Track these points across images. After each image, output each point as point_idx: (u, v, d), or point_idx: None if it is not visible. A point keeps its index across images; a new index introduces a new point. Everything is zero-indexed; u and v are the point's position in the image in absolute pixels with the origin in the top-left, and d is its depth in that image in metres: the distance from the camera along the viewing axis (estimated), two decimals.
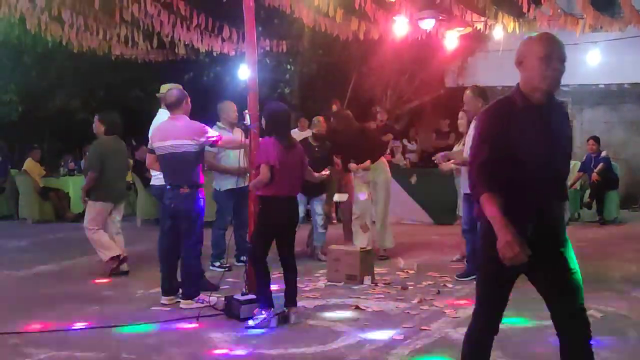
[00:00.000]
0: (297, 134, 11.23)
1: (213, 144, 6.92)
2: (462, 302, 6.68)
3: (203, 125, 6.76)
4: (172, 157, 6.57)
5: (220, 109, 8.65)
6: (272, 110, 6.21)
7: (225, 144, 7.36)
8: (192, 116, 6.89)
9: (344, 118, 9.48)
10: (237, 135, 7.56)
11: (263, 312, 5.91)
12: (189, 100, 6.87)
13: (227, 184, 8.41)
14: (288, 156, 5.99)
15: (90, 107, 18.12)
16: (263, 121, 6.14)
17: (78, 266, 9.08)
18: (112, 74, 16.45)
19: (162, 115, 7.46)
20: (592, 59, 14.68)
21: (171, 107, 6.75)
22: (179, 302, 6.67)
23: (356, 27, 10.10)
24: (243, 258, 8.35)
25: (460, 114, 8.77)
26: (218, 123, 8.62)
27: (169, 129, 6.67)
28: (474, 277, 7.21)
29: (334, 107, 10.82)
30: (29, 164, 14.61)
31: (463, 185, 7.68)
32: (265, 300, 5.96)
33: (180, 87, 7.34)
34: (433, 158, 9.07)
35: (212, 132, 6.87)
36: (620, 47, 14.12)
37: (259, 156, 6.05)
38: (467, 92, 7.63)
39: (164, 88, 7.69)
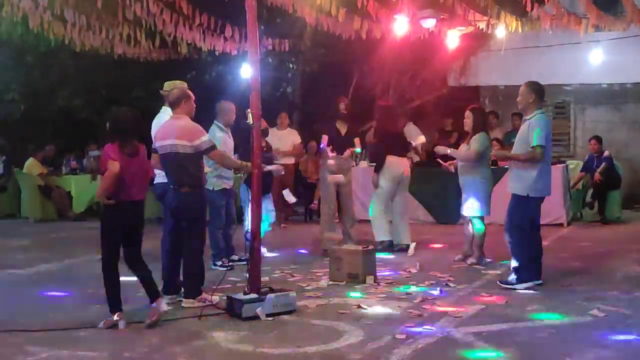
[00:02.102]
0: (276, 133, 11.18)
1: (206, 153, 6.66)
2: (464, 301, 6.68)
3: (200, 129, 6.64)
4: (171, 156, 6.59)
5: (219, 108, 8.64)
6: (116, 116, 6.19)
7: (219, 159, 7.00)
8: (194, 114, 6.88)
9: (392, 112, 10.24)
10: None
11: (115, 316, 5.94)
12: (192, 100, 6.84)
13: (222, 183, 8.46)
14: (131, 163, 5.99)
15: (93, 106, 18.15)
16: (108, 126, 6.12)
17: (80, 265, 9.08)
18: (114, 72, 16.45)
19: (164, 113, 7.48)
20: (594, 59, 14.65)
21: (172, 106, 6.77)
22: (181, 301, 6.67)
23: (358, 26, 10.10)
24: (235, 257, 8.59)
25: (467, 113, 8.76)
26: (216, 122, 8.60)
27: (169, 128, 6.69)
28: (523, 285, 7.14)
29: (342, 106, 10.96)
30: (31, 164, 14.53)
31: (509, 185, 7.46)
32: (115, 302, 5.99)
33: (185, 84, 7.33)
34: (436, 152, 9.09)
35: (205, 138, 6.62)
36: (623, 47, 14.09)
37: (102, 163, 6.16)
38: (523, 86, 7.43)
39: (168, 85, 7.70)
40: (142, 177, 6.16)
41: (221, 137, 8.39)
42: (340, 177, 9.42)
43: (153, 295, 6.10)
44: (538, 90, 7.35)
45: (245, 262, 8.19)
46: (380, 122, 10.07)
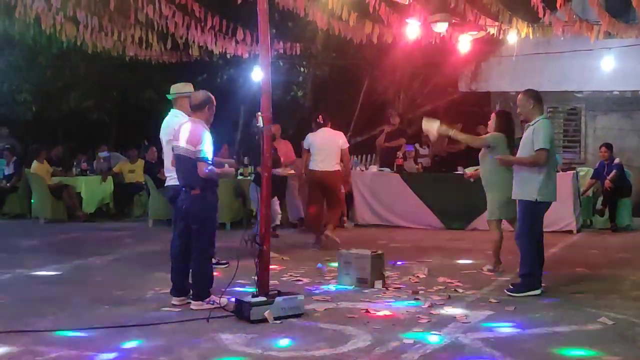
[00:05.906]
0: (326, 136, 10.24)
1: (202, 162, 6.45)
2: (472, 307, 6.66)
3: (203, 137, 6.47)
4: (182, 158, 6.62)
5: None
6: None
7: (201, 172, 6.54)
8: None
9: None
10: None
11: None
12: (214, 107, 6.81)
13: None
14: None
15: (104, 107, 18.24)
16: None
17: (89, 266, 9.12)
18: (126, 74, 16.54)
19: (173, 116, 7.50)
20: (606, 66, 14.62)
21: (194, 109, 6.76)
22: (190, 303, 6.69)
23: (370, 30, 10.12)
24: None
25: (492, 115, 8.67)
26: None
27: (184, 130, 6.69)
28: (528, 293, 7.08)
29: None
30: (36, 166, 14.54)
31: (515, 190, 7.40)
32: None
33: (190, 85, 7.32)
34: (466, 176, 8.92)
35: (200, 148, 6.43)
36: (635, 54, 14.06)
37: None
38: (520, 95, 7.42)
39: (174, 88, 7.72)
40: None
41: None
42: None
43: None
44: (535, 97, 7.37)
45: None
46: None
